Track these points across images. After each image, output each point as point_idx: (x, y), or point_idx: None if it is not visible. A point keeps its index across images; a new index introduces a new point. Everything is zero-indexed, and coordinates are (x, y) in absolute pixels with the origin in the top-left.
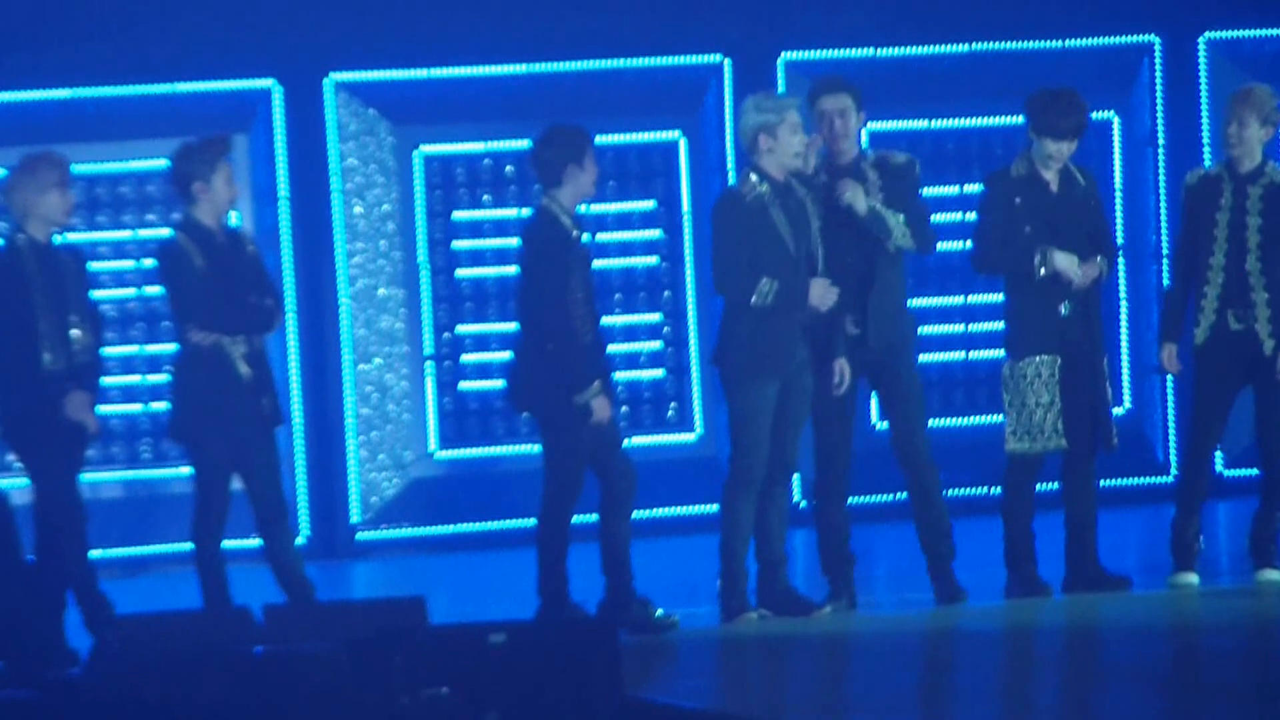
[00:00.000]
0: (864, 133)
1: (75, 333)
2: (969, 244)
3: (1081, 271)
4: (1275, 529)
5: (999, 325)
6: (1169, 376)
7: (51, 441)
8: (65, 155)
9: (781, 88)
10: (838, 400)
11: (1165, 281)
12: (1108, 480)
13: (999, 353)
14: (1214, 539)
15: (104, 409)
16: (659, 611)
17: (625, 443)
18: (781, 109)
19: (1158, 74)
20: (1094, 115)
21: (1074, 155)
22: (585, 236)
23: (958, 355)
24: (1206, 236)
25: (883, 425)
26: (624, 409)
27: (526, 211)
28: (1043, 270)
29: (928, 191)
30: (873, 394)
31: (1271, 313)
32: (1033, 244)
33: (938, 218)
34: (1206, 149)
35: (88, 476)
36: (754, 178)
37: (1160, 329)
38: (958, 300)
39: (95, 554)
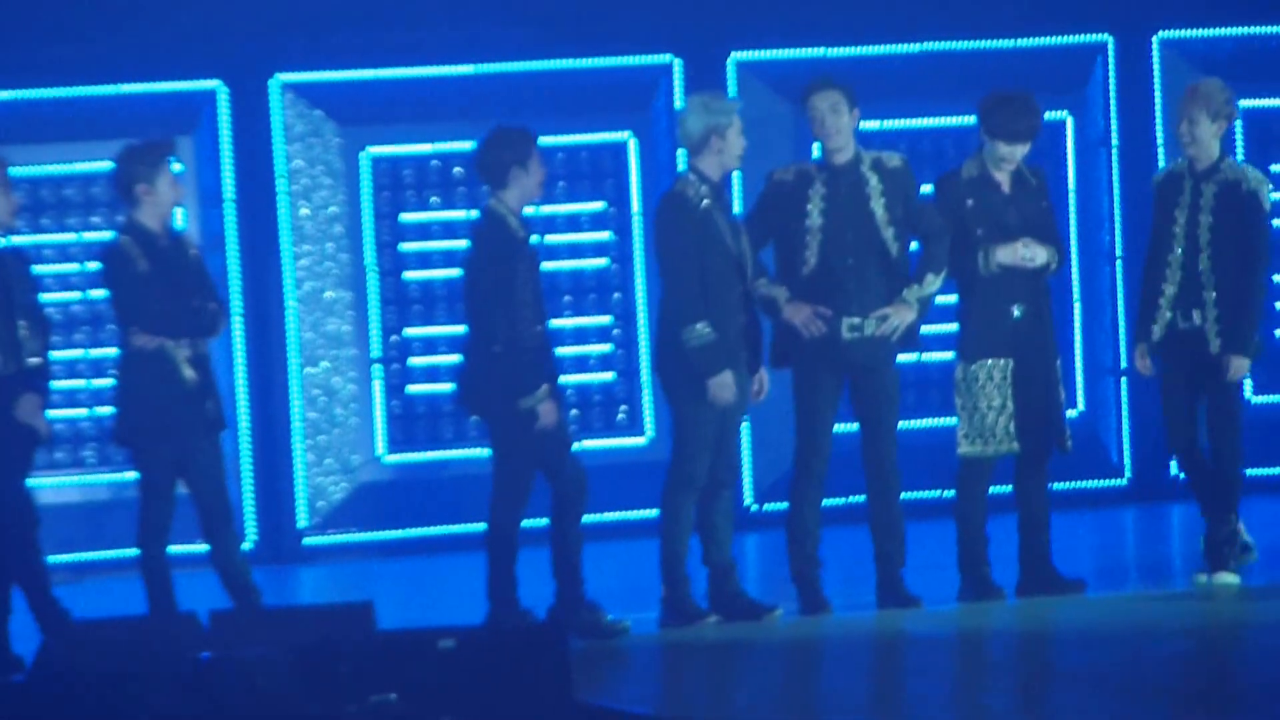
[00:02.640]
0: None
1: (24, 336)
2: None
3: (1027, 245)
4: (1230, 531)
5: (952, 327)
6: (1124, 379)
7: (1, 444)
8: (7, 157)
9: (732, 88)
10: (821, 400)
11: (1119, 283)
12: (1062, 483)
13: (951, 355)
14: (1166, 542)
15: (49, 413)
16: (609, 617)
17: (575, 446)
18: (729, 111)
19: (1111, 74)
20: (1047, 116)
21: (1027, 156)
22: (533, 238)
23: (910, 358)
24: (1167, 234)
25: (850, 427)
26: (574, 412)
27: (475, 214)
28: (990, 269)
29: None
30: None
31: (1219, 312)
32: (984, 245)
33: None
34: (1160, 149)
35: (33, 481)
36: (694, 179)
37: (1133, 329)
38: None
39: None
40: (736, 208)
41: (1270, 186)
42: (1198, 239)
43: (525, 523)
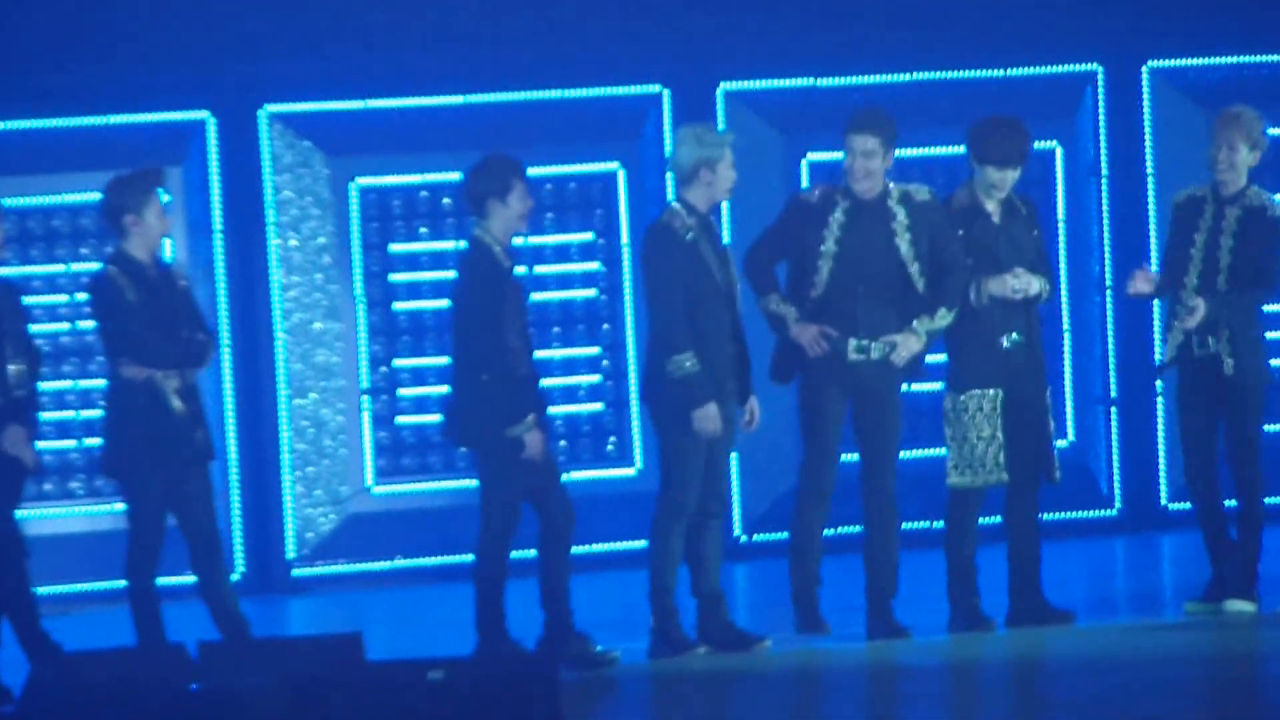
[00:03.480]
0: (803, 164)
1: (13, 367)
2: None
3: (1019, 281)
4: (1250, 556)
5: (941, 358)
6: (1114, 409)
7: None
8: None
9: (721, 118)
10: (827, 419)
11: (1109, 313)
12: (1051, 513)
13: (941, 385)
14: (1156, 573)
15: (38, 445)
16: (598, 647)
17: (564, 477)
18: (721, 144)
19: (1101, 103)
20: (1037, 145)
21: (1016, 185)
22: (520, 269)
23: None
24: (1184, 256)
25: (852, 457)
26: (563, 443)
27: (464, 244)
28: (980, 301)
29: None
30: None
31: (1231, 333)
32: (974, 275)
33: None
34: (1150, 179)
35: (21, 513)
36: (680, 209)
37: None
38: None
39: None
40: (725, 238)
41: None
42: (1218, 261)
43: (514, 554)
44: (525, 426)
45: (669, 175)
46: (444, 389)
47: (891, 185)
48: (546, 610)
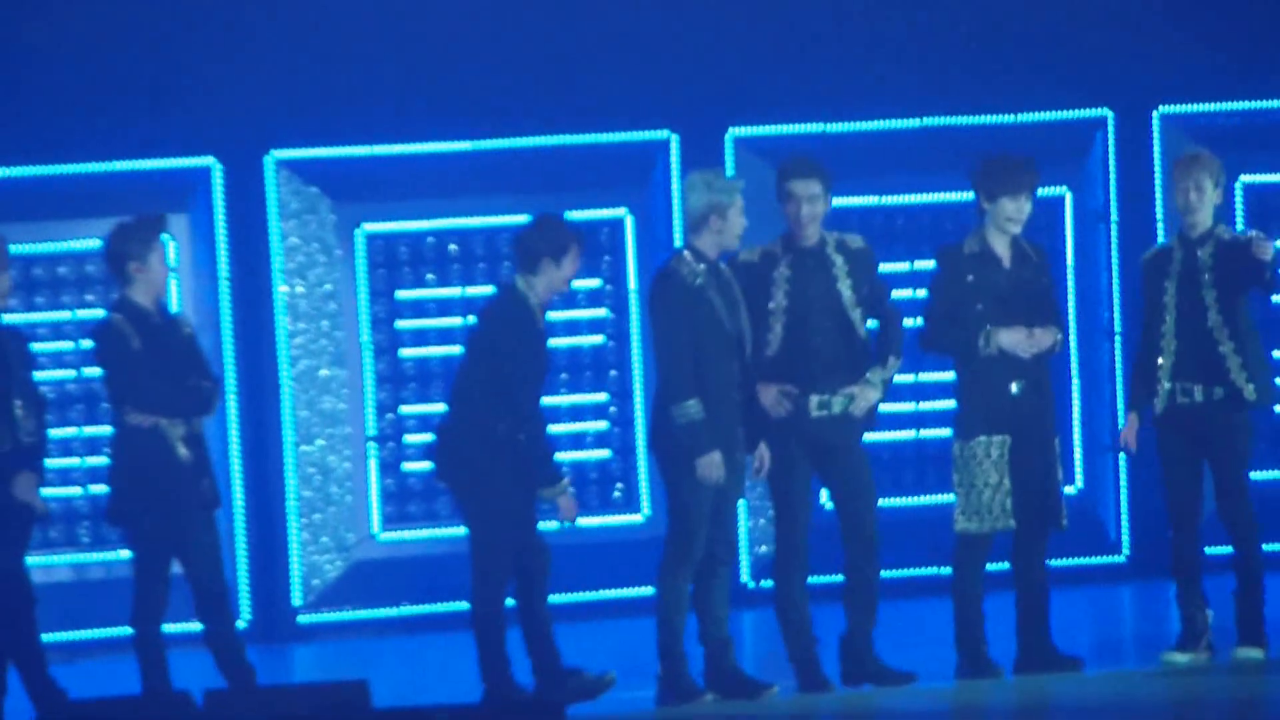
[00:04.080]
0: None
1: (20, 414)
2: (919, 321)
3: (1034, 338)
4: (1255, 603)
5: (949, 403)
6: (1121, 455)
7: None
8: (2, 236)
9: (729, 164)
10: (796, 479)
11: (1118, 359)
12: (1060, 560)
13: (949, 431)
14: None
15: (45, 491)
16: (592, 673)
17: (540, 523)
18: (732, 190)
19: (1111, 149)
20: (1046, 190)
21: (1026, 231)
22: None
23: (908, 434)
24: (1158, 305)
25: (829, 505)
26: (570, 489)
27: (471, 290)
28: (989, 350)
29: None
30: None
31: (1243, 359)
32: (984, 322)
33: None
34: (1160, 224)
35: (29, 560)
36: (689, 257)
37: (1125, 399)
38: (908, 378)
39: None
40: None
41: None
42: (1202, 299)
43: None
44: (560, 489)
45: (677, 221)
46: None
47: (826, 234)
48: (533, 656)
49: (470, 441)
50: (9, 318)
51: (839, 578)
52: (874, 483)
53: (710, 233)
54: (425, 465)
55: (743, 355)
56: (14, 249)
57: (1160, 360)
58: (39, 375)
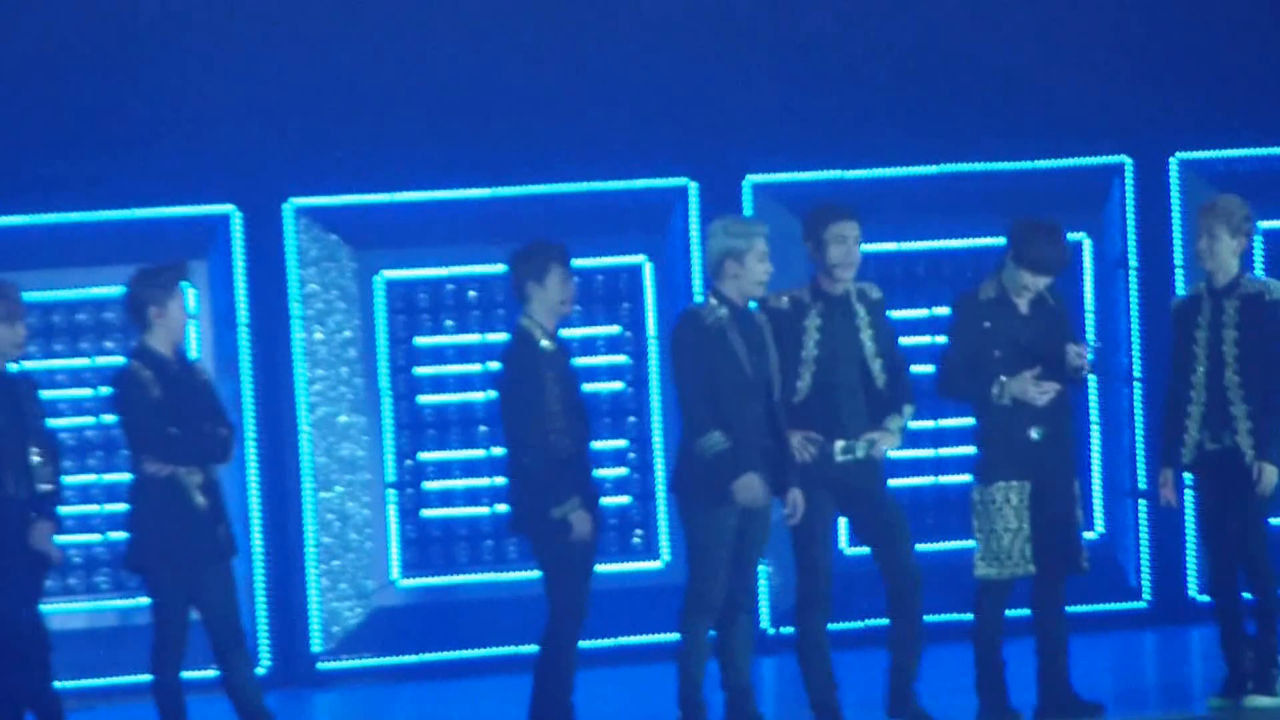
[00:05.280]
0: None
1: (36, 460)
2: (936, 368)
3: (1042, 385)
4: (1270, 649)
5: (969, 449)
6: (1142, 501)
7: (13, 569)
8: (18, 284)
9: (748, 210)
10: (819, 524)
11: (1138, 405)
12: (1080, 605)
13: (969, 476)
14: (1186, 665)
15: (62, 539)
16: None
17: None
18: (750, 235)
19: (1129, 195)
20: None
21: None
22: (568, 354)
23: (928, 480)
24: (1189, 354)
25: (857, 550)
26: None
27: (491, 337)
28: (1003, 400)
29: (896, 315)
30: (842, 518)
31: (1252, 425)
32: (1001, 368)
33: (906, 340)
34: (1179, 271)
35: (46, 607)
36: (714, 301)
37: (1157, 453)
38: (927, 424)
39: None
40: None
41: None
42: (1223, 355)
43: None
44: (570, 507)
45: (696, 268)
46: (469, 482)
47: (850, 283)
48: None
49: (515, 482)
50: (27, 364)
51: (860, 624)
52: (907, 520)
53: (728, 278)
54: (444, 511)
55: (769, 399)
56: (35, 295)
57: (1190, 409)
58: (58, 422)
